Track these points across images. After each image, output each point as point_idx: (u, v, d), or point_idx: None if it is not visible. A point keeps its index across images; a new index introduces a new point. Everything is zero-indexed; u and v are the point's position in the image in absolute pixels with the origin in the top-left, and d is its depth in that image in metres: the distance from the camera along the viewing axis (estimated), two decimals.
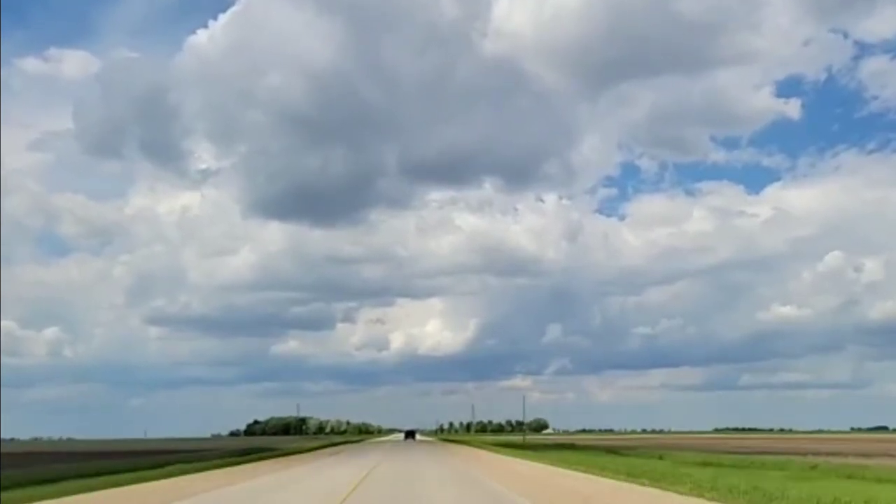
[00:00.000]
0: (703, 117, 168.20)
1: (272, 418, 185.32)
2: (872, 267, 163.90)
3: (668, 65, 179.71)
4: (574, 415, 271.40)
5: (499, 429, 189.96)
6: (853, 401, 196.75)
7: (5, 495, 16.27)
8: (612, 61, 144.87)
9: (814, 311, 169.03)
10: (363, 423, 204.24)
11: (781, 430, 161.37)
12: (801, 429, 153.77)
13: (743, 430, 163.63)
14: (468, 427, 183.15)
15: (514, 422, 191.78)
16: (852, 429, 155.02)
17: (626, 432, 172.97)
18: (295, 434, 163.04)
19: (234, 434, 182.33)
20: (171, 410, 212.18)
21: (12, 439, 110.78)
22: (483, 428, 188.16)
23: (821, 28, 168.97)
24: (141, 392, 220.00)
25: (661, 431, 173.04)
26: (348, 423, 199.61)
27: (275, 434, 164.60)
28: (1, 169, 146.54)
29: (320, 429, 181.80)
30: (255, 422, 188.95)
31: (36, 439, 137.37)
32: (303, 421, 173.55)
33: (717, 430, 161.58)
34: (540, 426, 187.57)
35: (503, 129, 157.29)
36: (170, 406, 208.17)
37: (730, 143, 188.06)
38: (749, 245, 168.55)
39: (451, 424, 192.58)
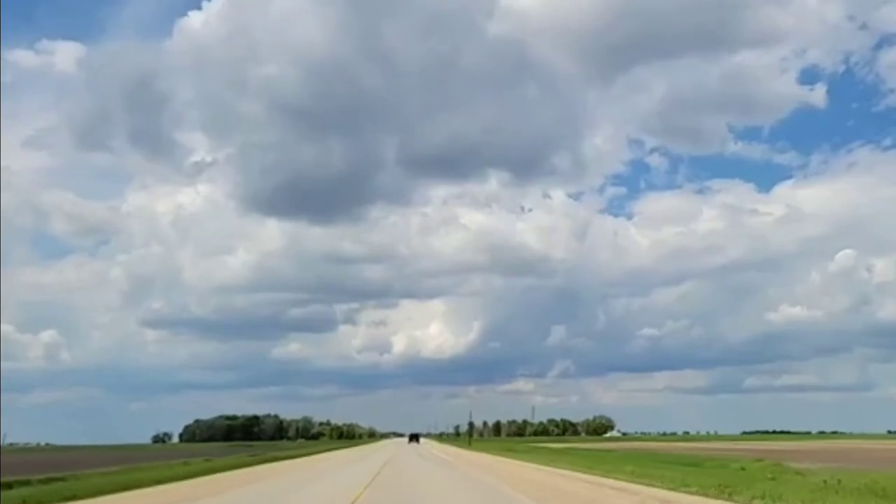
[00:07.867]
0: (721, 104, 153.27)
1: (219, 417, 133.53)
2: (883, 267, 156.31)
3: (685, 46, 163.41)
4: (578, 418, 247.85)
5: (542, 431, 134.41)
6: (862, 403, 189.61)
7: None
8: (624, 43, 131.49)
9: (824, 312, 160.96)
10: (347, 425, 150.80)
11: (821, 433, 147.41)
12: (810, 431, 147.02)
13: (773, 433, 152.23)
14: (497, 429, 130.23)
15: (559, 420, 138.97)
16: (889, 432, 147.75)
17: (652, 436, 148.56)
18: (240, 440, 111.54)
19: (157, 440, 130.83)
20: (168, 413, 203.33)
21: None
22: (519, 431, 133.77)
23: (840, 14, 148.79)
24: (140, 396, 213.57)
25: (674, 434, 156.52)
26: (328, 423, 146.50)
27: (210, 440, 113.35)
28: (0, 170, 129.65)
29: (280, 430, 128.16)
30: (196, 421, 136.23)
31: (11, 445, 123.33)
32: (256, 420, 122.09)
33: (745, 434, 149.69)
34: (601, 427, 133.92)
35: (509, 118, 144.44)
36: (167, 410, 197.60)
37: (750, 134, 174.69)
38: (760, 245, 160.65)
39: (470, 426, 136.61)
